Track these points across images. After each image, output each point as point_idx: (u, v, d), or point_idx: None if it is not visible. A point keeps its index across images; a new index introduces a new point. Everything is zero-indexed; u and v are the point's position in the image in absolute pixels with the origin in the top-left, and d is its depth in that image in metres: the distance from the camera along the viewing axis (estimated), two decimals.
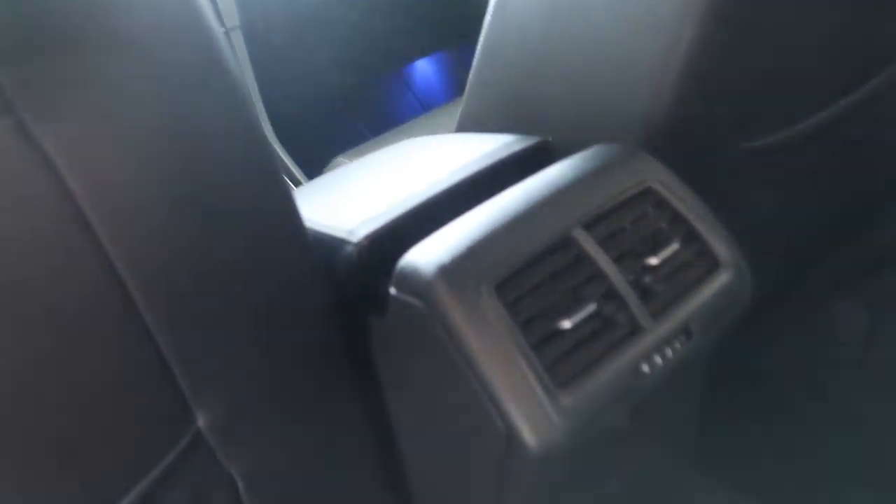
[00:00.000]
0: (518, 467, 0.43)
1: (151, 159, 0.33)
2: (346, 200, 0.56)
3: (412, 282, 0.42)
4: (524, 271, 0.42)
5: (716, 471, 0.72)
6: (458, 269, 0.41)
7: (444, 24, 1.33)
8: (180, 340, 0.36)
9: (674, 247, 0.46)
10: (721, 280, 0.47)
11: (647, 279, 0.44)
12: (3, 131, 0.28)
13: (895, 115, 0.71)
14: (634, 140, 0.53)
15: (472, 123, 0.65)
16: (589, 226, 0.45)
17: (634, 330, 0.43)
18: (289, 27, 1.18)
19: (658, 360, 0.43)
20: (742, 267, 0.48)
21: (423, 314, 0.42)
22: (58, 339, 0.32)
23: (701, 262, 0.47)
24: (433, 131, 0.84)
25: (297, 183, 1.10)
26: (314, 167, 1.09)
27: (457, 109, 0.67)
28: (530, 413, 0.40)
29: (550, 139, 0.55)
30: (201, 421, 0.40)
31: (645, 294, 0.44)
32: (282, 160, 1.10)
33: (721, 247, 0.48)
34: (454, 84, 1.43)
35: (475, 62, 0.62)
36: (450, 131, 0.67)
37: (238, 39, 1.08)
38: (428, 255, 0.43)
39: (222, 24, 1.05)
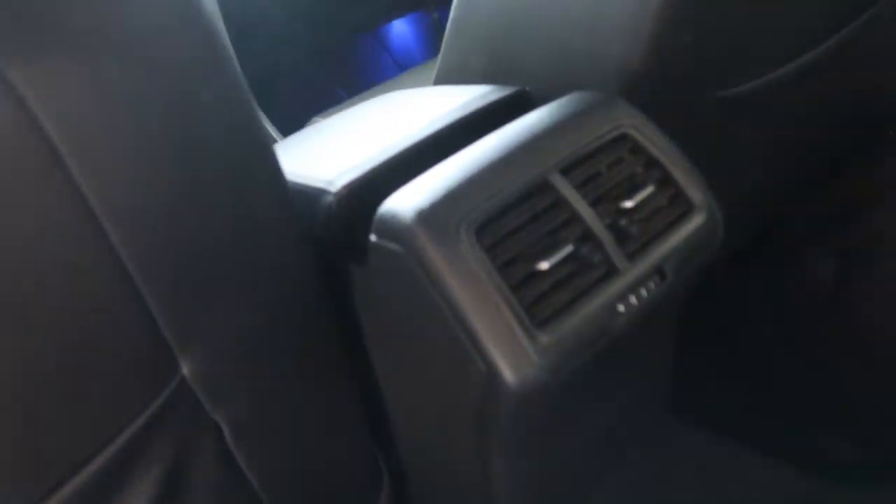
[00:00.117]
0: (498, 408, 0.44)
1: (134, 115, 0.33)
2: (324, 153, 0.56)
3: (392, 227, 0.43)
4: (503, 215, 0.43)
5: (692, 413, 0.74)
6: (438, 213, 0.42)
7: None
8: (163, 289, 0.37)
9: (648, 191, 0.47)
10: (694, 223, 0.48)
11: (623, 222, 0.45)
12: None
13: (868, 63, 0.72)
14: (611, 89, 0.53)
15: (450, 76, 0.65)
16: (566, 171, 0.45)
17: (610, 271, 0.44)
18: None
19: (633, 300, 0.45)
20: (714, 210, 0.49)
21: (404, 259, 0.42)
22: (38, 284, 0.32)
23: (674, 205, 0.48)
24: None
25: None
26: (291, 131, 1.08)
27: (434, 68, 0.66)
28: (510, 352, 0.41)
29: (528, 89, 0.55)
30: (186, 369, 0.40)
31: (620, 236, 0.45)
32: None
33: (694, 191, 0.49)
34: (431, 44, 1.41)
35: (451, 14, 0.62)
36: None
37: (212, 3, 1.05)
38: (407, 200, 0.43)
39: None
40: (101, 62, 0.31)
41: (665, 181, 0.48)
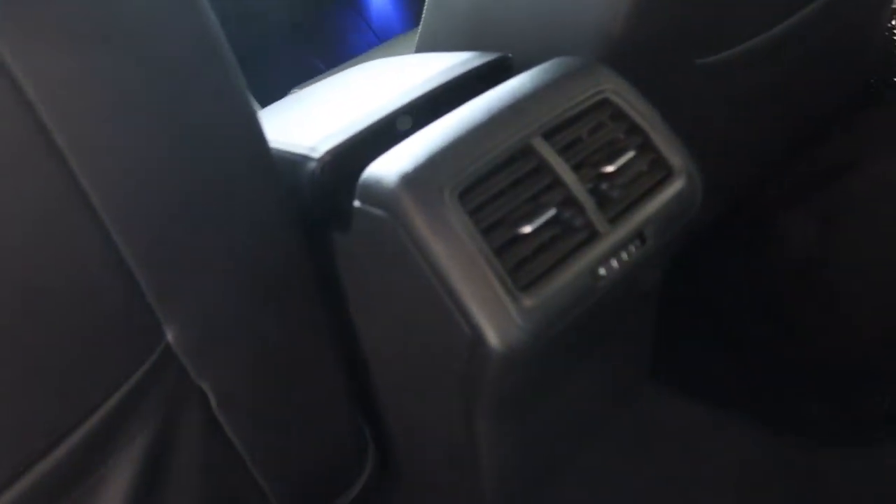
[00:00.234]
0: (483, 371, 0.45)
1: (116, 82, 0.33)
2: (306, 120, 0.55)
3: (376, 192, 0.43)
4: (486, 179, 0.43)
5: (671, 378, 0.76)
6: (422, 177, 0.42)
7: None
8: (145, 255, 0.36)
9: (629, 155, 0.47)
10: (674, 187, 0.49)
11: (604, 186, 0.46)
12: None
13: (847, 29, 0.72)
14: (592, 55, 0.53)
15: (431, 44, 0.64)
16: (548, 135, 0.46)
17: (592, 235, 0.45)
18: None
19: (614, 263, 0.45)
20: (694, 175, 0.50)
21: (388, 224, 0.43)
22: (16, 250, 0.32)
23: (655, 170, 0.49)
24: None
25: None
26: (269, 102, 1.07)
27: (415, 39, 0.66)
28: (493, 314, 0.41)
29: (510, 55, 0.55)
30: (170, 337, 0.40)
31: (602, 201, 0.46)
32: None
33: (674, 156, 0.49)
34: (411, 15, 1.40)
35: None
36: None
37: None
38: (391, 165, 0.43)
39: None
40: (90, 40, 0.31)
41: (645, 146, 0.49)
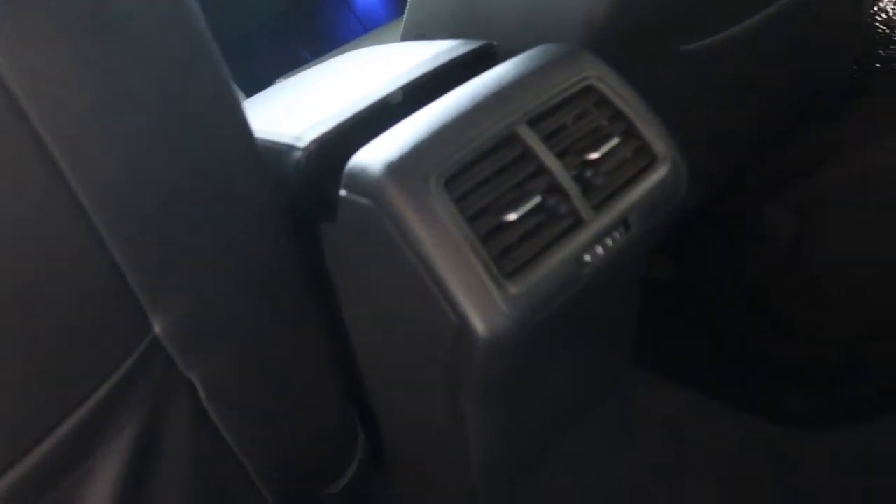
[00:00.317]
0: (469, 358, 0.45)
1: (103, 76, 0.32)
2: (291, 110, 0.55)
3: (361, 181, 0.43)
4: (471, 167, 0.43)
5: (655, 366, 0.77)
6: (407, 166, 0.42)
7: None
8: (131, 246, 0.36)
9: (613, 142, 0.48)
10: (658, 174, 0.49)
11: (589, 173, 0.46)
12: None
13: (829, 18, 0.73)
14: (576, 42, 0.53)
15: (416, 33, 0.64)
16: (533, 122, 0.46)
17: (577, 222, 0.45)
18: None
19: (599, 250, 0.46)
20: (678, 162, 0.50)
21: (374, 212, 0.43)
22: (5, 242, 0.32)
23: (639, 157, 0.49)
24: None
25: None
26: (254, 92, 1.06)
27: (400, 28, 0.66)
28: (479, 302, 0.42)
29: (495, 43, 0.55)
30: (157, 327, 0.40)
31: (586, 188, 0.46)
32: None
33: (658, 143, 0.49)
34: (396, 4, 1.39)
35: None
36: None
37: None
38: (376, 154, 0.43)
39: None
40: (77, 35, 0.31)
41: (630, 133, 0.49)
